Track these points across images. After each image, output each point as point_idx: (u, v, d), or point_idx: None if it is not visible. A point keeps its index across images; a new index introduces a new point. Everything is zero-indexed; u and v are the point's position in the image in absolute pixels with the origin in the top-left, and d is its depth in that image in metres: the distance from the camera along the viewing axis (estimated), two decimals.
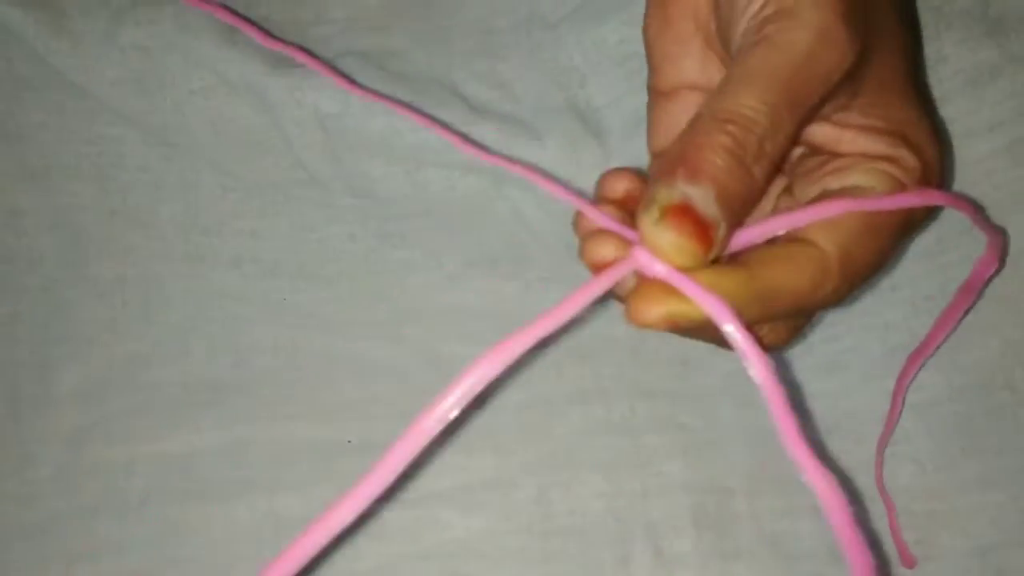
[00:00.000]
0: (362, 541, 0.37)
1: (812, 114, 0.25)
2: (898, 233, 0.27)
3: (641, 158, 0.33)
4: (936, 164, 0.28)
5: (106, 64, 0.38)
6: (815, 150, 0.28)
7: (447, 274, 0.41)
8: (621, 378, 0.39)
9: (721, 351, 0.38)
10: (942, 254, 0.38)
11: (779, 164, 0.26)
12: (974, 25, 0.36)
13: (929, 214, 0.29)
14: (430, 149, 0.37)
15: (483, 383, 0.22)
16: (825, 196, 0.27)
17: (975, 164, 0.38)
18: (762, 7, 0.25)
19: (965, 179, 0.38)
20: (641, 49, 0.31)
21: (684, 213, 0.23)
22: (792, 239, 0.26)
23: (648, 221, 0.24)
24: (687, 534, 0.37)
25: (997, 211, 0.38)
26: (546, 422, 0.39)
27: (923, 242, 0.39)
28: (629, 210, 0.27)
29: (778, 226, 0.26)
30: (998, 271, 0.31)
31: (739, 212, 0.24)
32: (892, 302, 0.39)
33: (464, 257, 0.41)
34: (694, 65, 0.29)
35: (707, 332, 0.25)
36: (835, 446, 0.38)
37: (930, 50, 0.37)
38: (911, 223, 0.28)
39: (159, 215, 0.41)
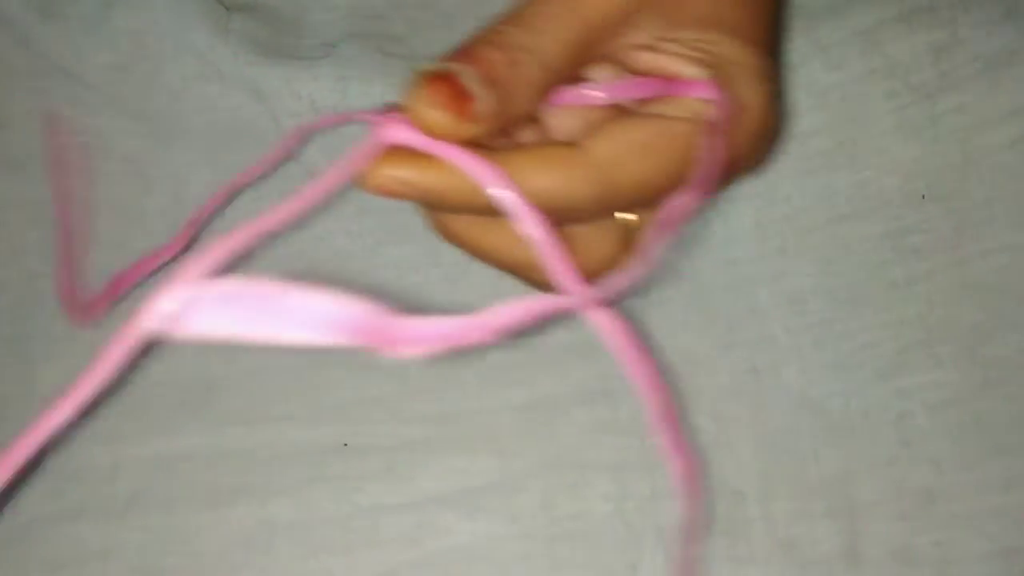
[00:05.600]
0: (360, 548, 0.36)
1: (592, 33, 0.27)
2: (679, 159, 0.27)
3: None
4: (753, 106, 0.28)
5: (96, 49, 0.37)
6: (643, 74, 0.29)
7: (445, 271, 0.40)
8: (628, 377, 0.38)
9: (729, 352, 0.38)
10: (960, 247, 0.38)
11: (562, 69, 0.27)
12: (991, 7, 0.35)
13: (741, 158, 0.29)
14: None
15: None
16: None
17: (990, 154, 0.37)
18: None
19: (980, 168, 0.37)
20: None
21: (443, 80, 0.25)
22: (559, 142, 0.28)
23: (410, 87, 0.25)
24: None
25: (1014, 202, 0.37)
26: (551, 423, 0.38)
27: (936, 236, 0.38)
28: None
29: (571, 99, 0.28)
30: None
31: (506, 97, 0.26)
32: (907, 298, 0.38)
33: (463, 254, 0.40)
34: None
35: (450, 203, 0.26)
36: (847, 448, 0.37)
37: (945, 34, 0.36)
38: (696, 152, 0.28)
39: (146, 208, 0.40)
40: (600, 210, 0.28)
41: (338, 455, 0.37)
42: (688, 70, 0.28)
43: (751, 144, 0.29)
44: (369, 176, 0.26)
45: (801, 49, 0.38)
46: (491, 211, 0.26)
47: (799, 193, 0.39)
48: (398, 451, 0.37)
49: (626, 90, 0.29)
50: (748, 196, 0.40)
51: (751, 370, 0.38)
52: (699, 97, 0.28)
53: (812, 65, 0.38)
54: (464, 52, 0.26)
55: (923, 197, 0.38)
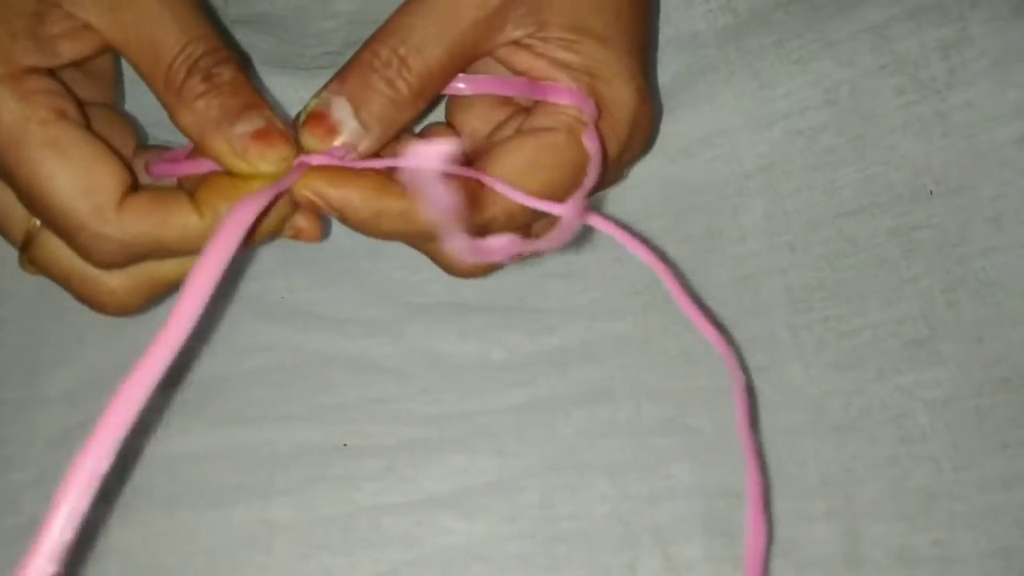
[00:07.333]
0: (359, 548, 0.35)
1: (471, 46, 0.29)
2: (564, 169, 0.29)
3: None
4: (626, 99, 0.30)
5: None
6: (522, 75, 0.31)
7: None
8: (627, 378, 0.38)
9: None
10: (962, 244, 0.37)
11: (441, 79, 0.29)
12: (1000, 4, 0.35)
13: (622, 149, 0.31)
14: None
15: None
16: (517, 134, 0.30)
17: (999, 150, 0.36)
18: None
19: (988, 166, 0.37)
20: None
21: (317, 117, 0.28)
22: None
23: (300, 125, 0.28)
24: (696, 539, 0.36)
25: (1021, 199, 0.36)
26: (550, 423, 0.37)
27: (942, 232, 0.37)
28: None
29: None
30: None
31: (380, 118, 0.28)
32: (911, 295, 0.37)
33: None
34: None
35: (355, 216, 0.29)
36: (850, 447, 0.36)
37: (954, 30, 0.35)
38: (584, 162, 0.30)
39: None
40: (505, 228, 0.29)
41: (338, 455, 0.37)
42: (560, 76, 0.30)
43: (628, 134, 0.31)
44: (295, 190, 0.28)
45: (810, 45, 0.38)
46: (393, 232, 0.29)
47: (808, 188, 0.39)
48: (398, 451, 0.37)
49: (494, 86, 0.31)
50: (758, 190, 0.39)
51: (753, 369, 0.38)
52: (570, 104, 0.29)
53: (821, 61, 0.38)
54: (340, 79, 0.29)
55: (931, 193, 0.38)
